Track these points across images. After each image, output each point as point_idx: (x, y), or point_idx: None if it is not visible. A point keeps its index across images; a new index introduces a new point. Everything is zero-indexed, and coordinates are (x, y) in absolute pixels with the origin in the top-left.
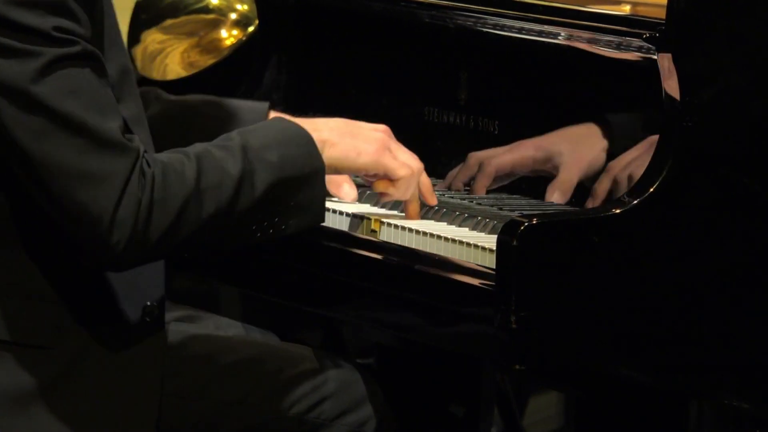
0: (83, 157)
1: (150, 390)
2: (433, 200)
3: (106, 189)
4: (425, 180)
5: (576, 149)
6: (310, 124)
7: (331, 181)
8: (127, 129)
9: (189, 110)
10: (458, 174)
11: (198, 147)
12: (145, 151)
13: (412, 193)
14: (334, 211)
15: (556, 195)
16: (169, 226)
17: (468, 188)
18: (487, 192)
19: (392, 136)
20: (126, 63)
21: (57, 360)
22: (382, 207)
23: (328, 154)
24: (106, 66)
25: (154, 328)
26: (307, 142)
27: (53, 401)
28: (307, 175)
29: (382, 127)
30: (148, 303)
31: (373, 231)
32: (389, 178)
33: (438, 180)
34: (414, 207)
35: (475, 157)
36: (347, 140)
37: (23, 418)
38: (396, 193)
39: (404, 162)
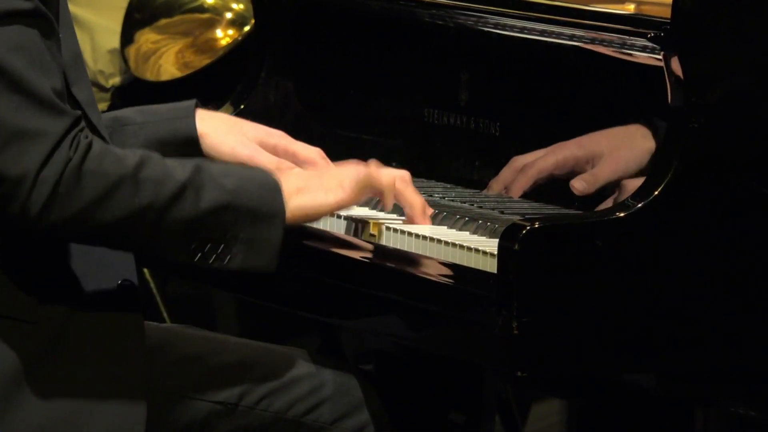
0: (17, 114)
1: (135, 365)
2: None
3: (35, 146)
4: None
5: (617, 149)
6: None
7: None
8: (81, 111)
9: (117, 122)
10: (500, 178)
11: (148, 151)
12: (83, 128)
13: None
14: (332, 214)
15: (581, 184)
16: (96, 200)
17: (448, 187)
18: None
19: (363, 164)
20: (76, 48)
21: (40, 334)
22: (381, 210)
23: (296, 203)
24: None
25: (132, 305)
26: (271, 184)
27: (38, 376)
28: (264, 214)
29: (352, 162)
30: (122, 280)
31: (372, 235)
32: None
33: (438, 183)
34: (418, 212)
35: (519, 160)
36: (312, 183)
37: (9, 392)
38: (388, 199)
39: (365, 168)
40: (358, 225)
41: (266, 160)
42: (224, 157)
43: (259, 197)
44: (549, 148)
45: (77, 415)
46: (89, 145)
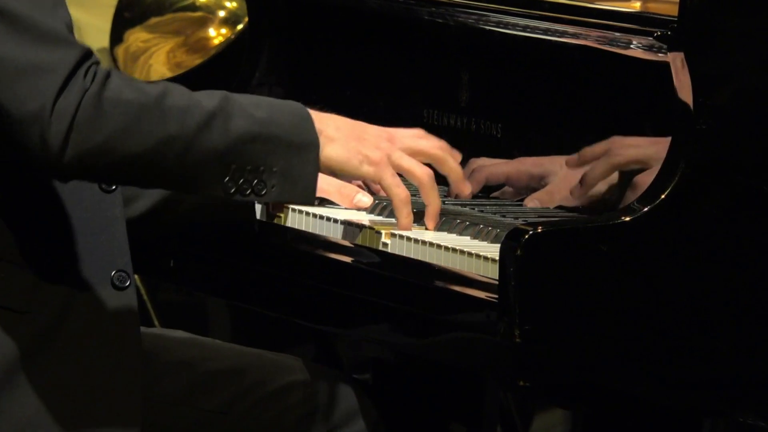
0: (27, 50)
1: (131, 357)
2: (431, 224)
3: (48, 79)
4: (433, 200)
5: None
6: (314, 116)
7: (343, 191)
8: None
9: None
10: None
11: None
12: (98, 62)
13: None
14: (328, 219)
15: (533, 203)
16: (119, 129)
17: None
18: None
19: (400, 140)
20: (69, 19)
21: (34, 324)
22: (379, 215)
23: (329, 152)
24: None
25: (125, 296)
26: (304, 116)
27: (32, 368)
28: (298, 145)
29: (391, 131)
30: (116, 270)
31: (371, 240)
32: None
33: (438, 186)
34: (405, 219)
35: (476, 163)
36: (352, 143)
37: (2, 384)
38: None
39: (395, 178)
40: (356, 229)
41: (326, 184)
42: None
43: (291, 127)
44: (505, 161)
45: (72, 408)
46: (107, 75)
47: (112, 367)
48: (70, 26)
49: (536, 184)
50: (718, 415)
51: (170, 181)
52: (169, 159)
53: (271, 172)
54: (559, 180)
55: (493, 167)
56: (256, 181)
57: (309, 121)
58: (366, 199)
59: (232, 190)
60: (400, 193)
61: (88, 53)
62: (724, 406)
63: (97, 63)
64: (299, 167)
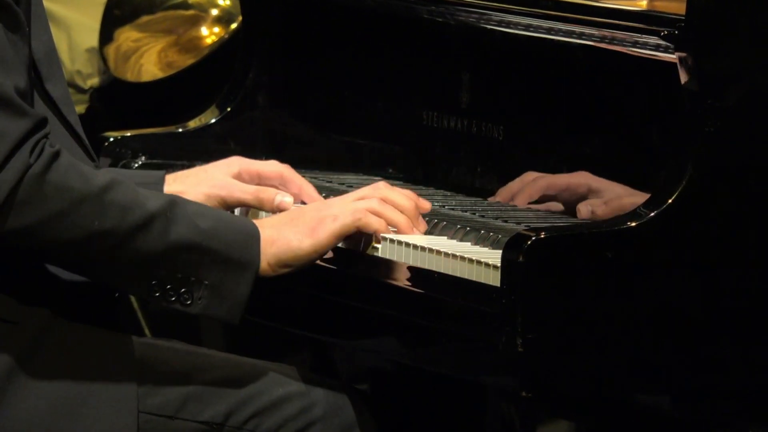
0: None
1: (123, 368)
2: (420, 229)
3: None
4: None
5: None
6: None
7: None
8: (55, 108)
9: None
10: (510, 187)
11: (120, 175)
12: (47, 134)
13: (385, 219)
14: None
15: (586, 209)
16: (55, 214)
17: (447, 195)
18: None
19: (335, 199)
20: (50, 43)
21: (22, 334)
22: None
23: (272, 252)
24: (33, 42)
25: (115, 303)
26: (250, 233)
27: (22, 378)
28: (235, 262)
29: (326, 199)
30: None
31: (369, 246)
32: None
33: (438, 190)
34: (404, 224)
35: (533, 175)
36: (285, 231)
37: None
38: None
39: (352, 214)
40: (352, 235)
41: (242, 193)
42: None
43: (233, 243)
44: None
45: (65, 420)
46: (55, 155)
47: (105, 378)
48: (22, 91)
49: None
50: (728, 427)
51: (95, 273)
52: (98, 253)
53: (201, 284)
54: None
55: (554, 177)
56: (183, 290)
57: (255, 239)
58: (288, 199)
59: (156, 294)
60: (378, 228)
61: (39, 124)
62: (734, 418)
63: (47, 136)
64: (232, 284)
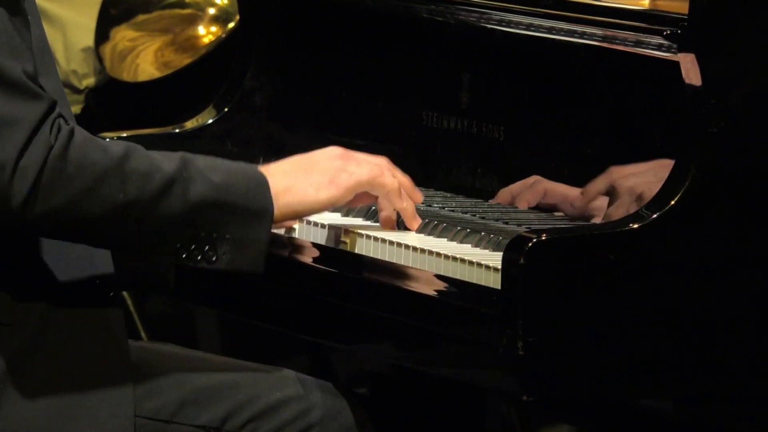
0: None
1: (119, 370)
2: (414, 224)
3: (11, 133)
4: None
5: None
6: (263, 170)
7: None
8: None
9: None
10: (511, 188)
11: (132, 142)
12: (61, 114)
13: (396, 191)
14: (316, 224)
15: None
16: (81, 192)
17: (447, 197)
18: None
19: (348, 153)
20: (44, 36)
21: (18, 336)
22: (376, 222)
23: (285, 201)
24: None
25: (110, 302)
26: (259, 180)
27: (18, 381)
28: (252, 212)
29: (335, 150)
30: (99, 277)
31: (358, 246)
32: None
33: (438, 191)
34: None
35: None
36: (301, 180)
37: None
38: (386, 204)
39: (369, 171)
40: (351, 236)
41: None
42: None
43: (246, 193)
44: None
45: (60, 421)
46: (71, 132)
47: (101, 382)
48: (31, 74)
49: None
50: None
51: (123, 244)
52: (126, 224)
53: (223, 239)
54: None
55: (553, 185)
56: (207, 248)
57: (265, 186)
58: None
59: (184, 256)
60: (392, 188)
61: (52, 105)
62: (739, 423)
63: (61, 115)
64: (252, 235)
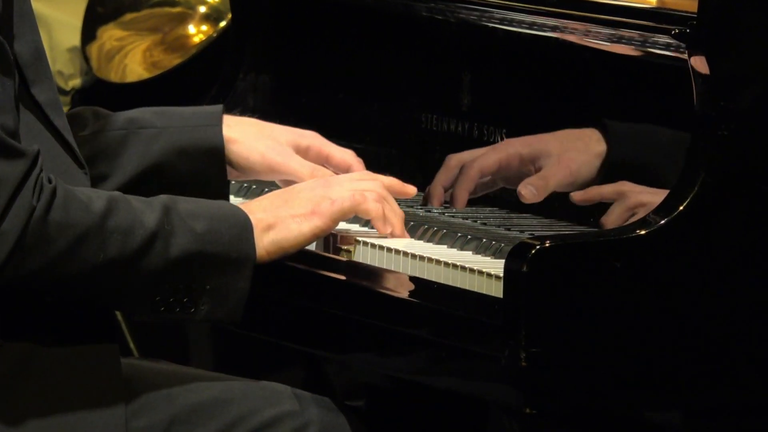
0: None
1: (110, 389)
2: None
3: None
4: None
5: (566, 151)
6: (244, 208)
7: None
8: (41, 113)
9: (133, 124)
10: (437, 180)
11: (114, 192)
12: (42, 170)
13: (385, 209)
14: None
15: (529, 189)
16: (61, 254)
17: (447, 203)
18: (471, 204)
19: (327, 180)
20: (39, 42)
21: (6, 358)
22: (372, 228)
23: (269, 239)
24: (16, 44)
25: (102, 325)
26: (242, 224)
27: (8, 402)
28: (234, 260)
29: (315, 180)
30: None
31: (356, 254)
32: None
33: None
34: (398, 226)
35: (456, 158)
36: (282, 213)
37: None
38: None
39: (350, 198)
40: (347, 243)
41: (299, 166)
42: (255, 165)
43: (230, 241)
44: (490, 147)
45: None
46: (53, 192)
47: (93, 401)
48: (11, 130)
49: (529, 168)
50: None
51: (102, 300)
52: (104, 282)
53: (203, 290)
54: (553, 163)
55: (483, 159)
56: (186, 299)
57: (248, 231)
58: None
59: (161, 309)
60: (375, 211)
61: (34, 161)
62: None
63: (42, 170)
64: (233, 284)
